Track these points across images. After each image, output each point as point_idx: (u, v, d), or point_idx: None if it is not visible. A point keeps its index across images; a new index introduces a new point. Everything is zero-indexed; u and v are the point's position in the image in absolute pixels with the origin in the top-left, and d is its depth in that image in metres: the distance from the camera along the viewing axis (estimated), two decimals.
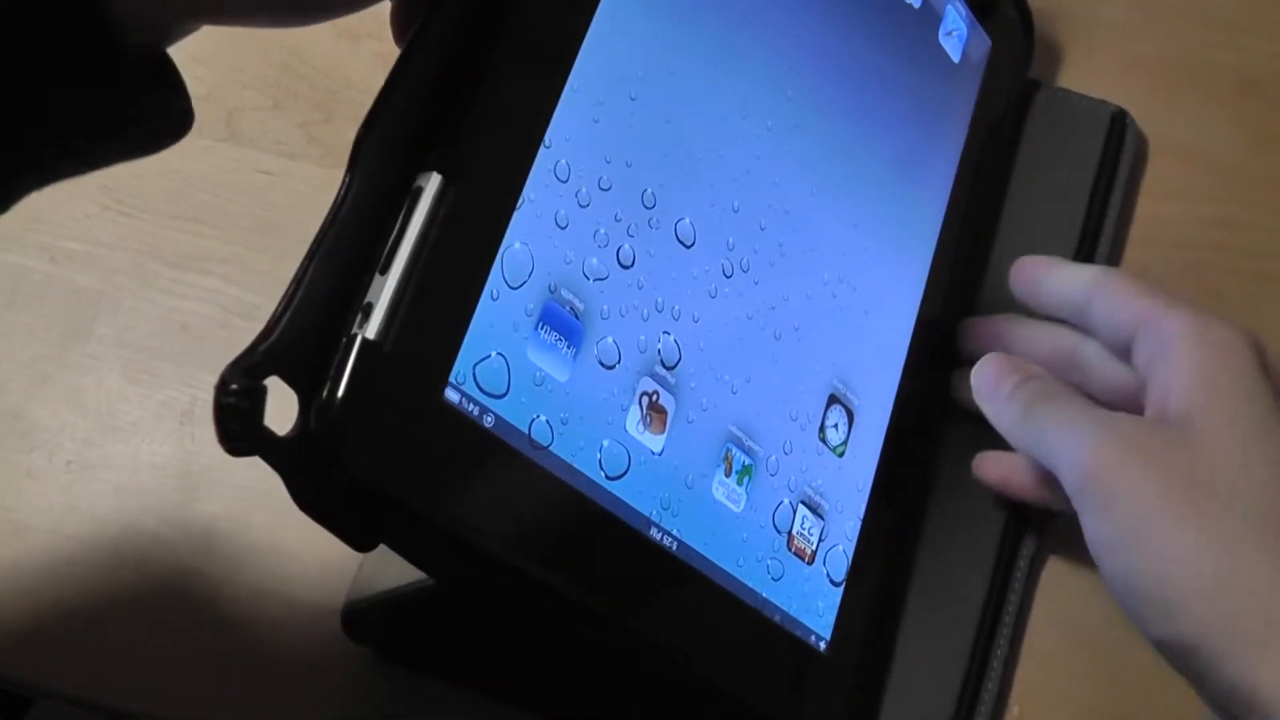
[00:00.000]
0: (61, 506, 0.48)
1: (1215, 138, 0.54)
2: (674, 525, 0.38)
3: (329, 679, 0.46)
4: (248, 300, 0.51)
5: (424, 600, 0.40)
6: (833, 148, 0.44)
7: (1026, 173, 0.52)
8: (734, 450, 0.40)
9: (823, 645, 0.42)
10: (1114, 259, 0.52)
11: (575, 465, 0.36)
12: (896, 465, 0.45)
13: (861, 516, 0.44)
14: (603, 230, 0.37)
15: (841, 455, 0.43)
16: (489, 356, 0.34)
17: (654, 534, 0.37)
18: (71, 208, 0.52)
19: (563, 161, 0.36)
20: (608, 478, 0.36)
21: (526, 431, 0.35)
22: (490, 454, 0.34)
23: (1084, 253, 0.51)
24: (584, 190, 0.37)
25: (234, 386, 0.30)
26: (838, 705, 0.42)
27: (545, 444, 0.35)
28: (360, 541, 0.34)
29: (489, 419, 0.34)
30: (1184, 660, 0.37)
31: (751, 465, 0.40)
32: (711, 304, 0.40)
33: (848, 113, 0.45)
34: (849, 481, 0.43)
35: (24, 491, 0.48)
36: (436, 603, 0.40)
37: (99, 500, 0.48)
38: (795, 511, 0.41)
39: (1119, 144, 0.53)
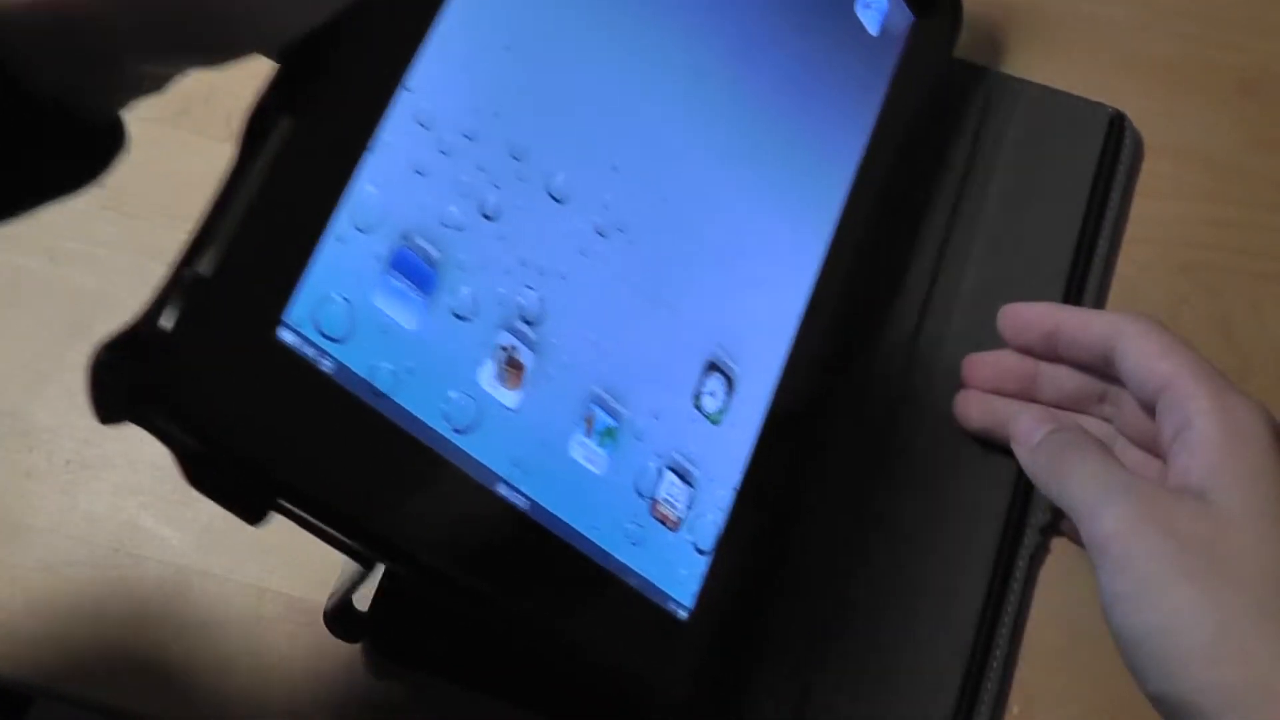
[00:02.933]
0: (61, 506, 0.49)
1: (1214, 137, 0.54)
2: (525, 483, 0.37)
3: (329, 678, 0.46)
4: None
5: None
6: (729, 113, 0.43)
7: (1023, 174, 0.52)
8: (597, 411, 0.39)
9: (683, 613, 0.41)
10: (1112, 260, 0.52)
11: (419, 415, 0.35)
12: (781, 439, 0.44)
13: (736, 487, 0.43)
14: (465, 180, 0.36)
15: (718, 424, 0.42)
16: (330, 299, 0.33)
17: (501, 490, 0.37)
18: (71, 208, 0.51)
19: (425, 107, 0.35)
20: (454, 430, 0.36)
21: (367, 378, 0.34)
22: (328, 399, 0.33)
23: (1082, 254, 0.51)
24: (447, 138, 0.36)
25: (98, 358, 0.31)
26: (697, 673, 0.41)
27: (387, 392, 0.34)
28: (248, 512, 0.33)
29: (327, 363, 0.33)
30: (1177, 718, 0.38)
31: (615, 428, 0.40)
32: (582, 262, 0.39)
33: (747, 78, 0.44)
34: (724, 451, 0.43)
35: (24, 491, 0.49)
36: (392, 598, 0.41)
37: (99, 500, 0.49)
38: (661, 477, 0.41)
39: (1117, 146, 0.53)
